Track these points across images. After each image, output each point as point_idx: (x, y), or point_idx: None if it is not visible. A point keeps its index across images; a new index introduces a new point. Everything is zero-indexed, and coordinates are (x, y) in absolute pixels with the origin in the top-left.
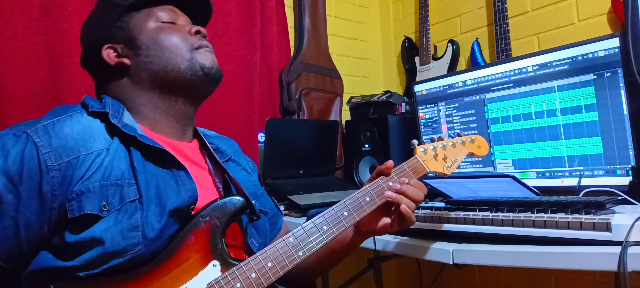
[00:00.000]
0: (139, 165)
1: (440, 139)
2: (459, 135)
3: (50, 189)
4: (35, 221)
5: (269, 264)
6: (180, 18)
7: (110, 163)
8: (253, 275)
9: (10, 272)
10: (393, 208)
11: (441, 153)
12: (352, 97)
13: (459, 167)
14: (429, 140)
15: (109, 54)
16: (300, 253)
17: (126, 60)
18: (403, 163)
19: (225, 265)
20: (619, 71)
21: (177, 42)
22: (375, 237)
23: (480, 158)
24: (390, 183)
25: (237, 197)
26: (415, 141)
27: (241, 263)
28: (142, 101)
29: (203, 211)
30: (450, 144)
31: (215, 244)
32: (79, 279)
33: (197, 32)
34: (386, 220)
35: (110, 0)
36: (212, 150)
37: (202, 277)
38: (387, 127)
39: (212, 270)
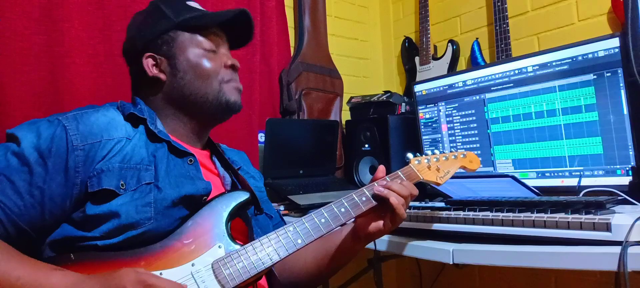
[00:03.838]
0: (161, 158)
1: (433, 153)
2: (451, 151)
3: (74, 166)
4: (59, 193)
5: (270, 249)
6: (221, 45)
7: (131, 150)
8: (254, 257)
9: (31, 243)
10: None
11: (434, 165)
12: (352, 97)
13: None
14: (429, 140)
15: (148, 63)
16: (299, 241)
17: (162, 76)
18: (397, 171)
19: (229, 248)
20: (619, 71)
21: (211, 73)
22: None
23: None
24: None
25: (243, 191)
26: (410, 155)
27: (244, 247)
28: (168, 113)
29: (211, 201)
30: (443, 157)
31: (221, 229)
32: (96, 249)
33: (232, 66)
34: (380, 221)
35: (163, 9)
36: (226, 158)
37: (207, 256)
38: (387, 127)
39: (217, 250)
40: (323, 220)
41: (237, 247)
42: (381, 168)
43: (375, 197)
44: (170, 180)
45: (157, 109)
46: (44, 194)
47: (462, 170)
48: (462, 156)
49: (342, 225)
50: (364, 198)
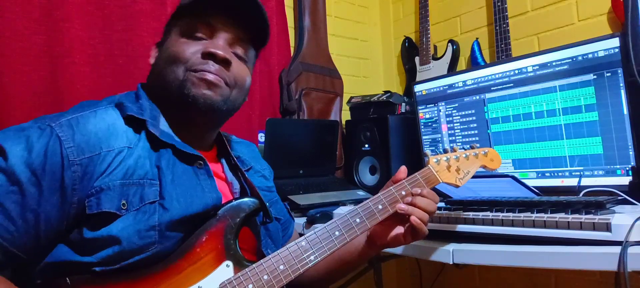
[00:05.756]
0: (166, 166)
1: (453, 150)
2: (472, 147)
3: (71, 184)
4: (55, 215)
5: (281, 267)
6: (219, 35)
7: (134, 162)
8: (265, 277)
9: (22, 266)
10: (407, 225)
11: (454, 165)
12: (352, 97)
13: None
14: (429, 140)
15: (153, 51)
16: (312, 257)
17: (151, 61)
18: (416, 174)
19: (238, 266)
20: (619, 71)
21: (178, 58)
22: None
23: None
24: (403, 193)
25: (251, 199)
26: (428, 151)
27: (253, 265)
28: (168, 106)
29: (217, 212)
30: (464, 155)
31: (229, 245)
32: (94, 274)
33: (209, 55)
34: (399, 231)
35: None
36: (234, 157)
37: (214, 277)
38: (387, 127)
39: (225, 270)
40: (338, 233)
41: (246, 264)
42: (403, 170)
43: (396, 212)
44: (177, 194)
45: (159, 102)
46: (38, 218)
47: (481, 169)
48: (483, 153)
49: None
50: (380, 207)
